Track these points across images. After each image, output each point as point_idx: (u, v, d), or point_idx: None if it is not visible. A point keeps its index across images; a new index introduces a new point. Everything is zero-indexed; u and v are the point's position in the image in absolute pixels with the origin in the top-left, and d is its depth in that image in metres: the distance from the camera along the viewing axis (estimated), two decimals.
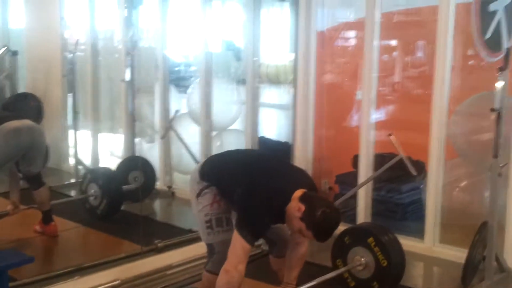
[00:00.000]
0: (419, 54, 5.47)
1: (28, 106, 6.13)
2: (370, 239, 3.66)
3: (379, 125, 4.95)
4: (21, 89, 6.65)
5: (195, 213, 3.23)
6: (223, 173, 3.19)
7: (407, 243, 3.99)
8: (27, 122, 4.44)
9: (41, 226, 4.72)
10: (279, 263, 3.37)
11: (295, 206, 2.85)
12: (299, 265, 3.24)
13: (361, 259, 3.69)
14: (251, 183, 2.99)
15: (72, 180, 6.24)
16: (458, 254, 4.17)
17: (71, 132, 6.29)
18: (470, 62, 5.01)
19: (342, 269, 3.69)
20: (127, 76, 5.97)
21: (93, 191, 5.12)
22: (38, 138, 4.49)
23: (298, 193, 2.90)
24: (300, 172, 3.26)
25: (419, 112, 5.04)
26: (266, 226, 3.00)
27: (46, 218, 4.70)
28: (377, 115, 4.97)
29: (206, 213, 3.13)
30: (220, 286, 2.92)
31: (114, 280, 3.84)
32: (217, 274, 2.99)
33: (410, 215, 5.02)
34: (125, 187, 5.39)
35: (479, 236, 3.83)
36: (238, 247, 2.87)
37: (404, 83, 5.44)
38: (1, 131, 4.21)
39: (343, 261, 3.77)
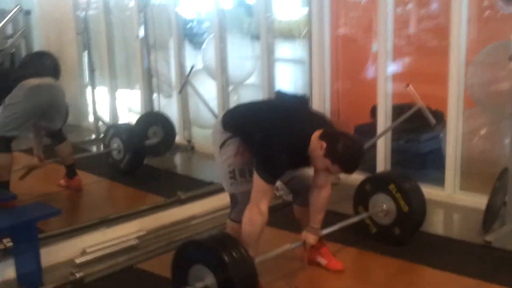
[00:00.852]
0: (434, 6, 5.42)
1: (44, 64, 6.13)
2: (392, 186, 3.69)
3: (396, 77, 4.94)
4: (36, 48, 6.65)
5: (218, 164, 3.25)
6: (244, 120, 3.21)
7: (427, 191, 3.99)
8: (46, 79, 4.47)
9: (65, 180, 4.80)
10: (303, 212, 3.41)
11: (317, 145, 2.88)
12: (323, 208, 3.25)
13: (382, 205, 3.72)
14: (271, 127, 3.03)
15: (93, 136, 6.30)
16: (478, 201, 4.20)
17: (88, 90, 6.31)
18: (486, 13, 4.98)
19: (364, 215, 3.74)
20: (141, 33, 5.97)
21: (116, 145, 5.18)
22: (57, 96, 4.52)
23: (317, 133, 2.93)
24: (320, 115, 3.29)
25: (435, 64, 5.02)
26: (285, 167, 3.03)
27: (70, 173, 4.78)
28: (393, 67, 4.96)
29: (229, 163, 3.16)
30: (244, 223, 3.01)
31: (140, 230, 3.94)
32: (240, 222, 3.06)
33: (429, 164, 5.02)
34: (147, 141, 5.45)
35: (499, 183, 3.87)
36: (259, 188, 2.95)
37: (420, 35, 5.41)
38: (21, 89, 4.24)
39: (364, 208, 3.82)
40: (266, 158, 2.96)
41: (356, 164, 2.91)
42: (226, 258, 2.68)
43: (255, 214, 2.95)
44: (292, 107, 3.35)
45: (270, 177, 2.94)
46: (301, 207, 3.43)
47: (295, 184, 3.37)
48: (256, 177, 2.95)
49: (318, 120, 3.12)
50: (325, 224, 3.40)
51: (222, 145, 3.19)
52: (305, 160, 3.00)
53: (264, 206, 2.96)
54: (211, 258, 2.73)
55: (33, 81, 4.32)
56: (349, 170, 2.94)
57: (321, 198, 3.21)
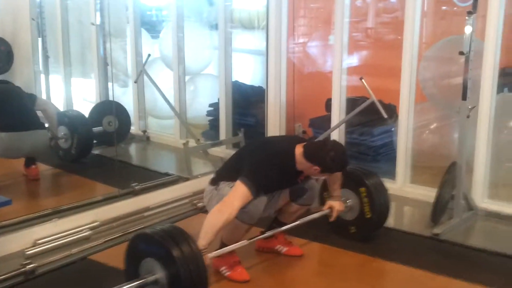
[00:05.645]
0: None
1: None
2: (363, 189, 3.65)
3: (352, 70, 5.00)
4: None
5: (217, 195, 3.25)
6: (229, 165, 3.42)
7: None
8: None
9: (24, 168, 4.78)
10: (296, 210, 3.49)
11: (309, 168, 3.19)
12: (339, 179, 3.54)
13: (347, 201, 3.68)
14: (258, 153, 3.28)
15: (47, 125, 6.17)
16: (428, 194, 4.31)
17: (42, 77, 6.18)
18: (443, 8, 5.06)
19: (327, 210, 3.62)
20: (97, 19, 5.88)
21: (62, 133, 5.07)
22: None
23: (298, 149, 3.21)
24: (289, 136, 3.81)
25: (391, 58, 5.10)
26: (269, 180, 3.18)
27: (28, 161, 4.76)
28: (349, 60, 5.01)
29: (230, 185, 3.20)
30: (212, 211, 3.07)
31: (93, 222, 3.91)
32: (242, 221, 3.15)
33: (382, 157, 5.12)
34: (95, 128, 5.36)
35: (448, 176, 3.97)
36: (239, 192, 3.07)
37: (377, 29, 5.48)
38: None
39: None
40: (254, 170, 3.15)
41: (346, 164, 3.33)
42: (175, 252, 2.68)
43: (226, 207, 3.03)
44: (268, 138, 4.09)
45: (253, 187, 3.07)
46: (299, 206, 3.48)
47: (306, 184, 3.43)
48: (238, 184, 3.09)
49: (291, 138, 3.53)
50: None
51: (217, 186, 3.31)
52: (295, 173, 3.28)
53: (237, 205, 3.04)
54: (161, 252, 2.73)
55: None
56: (342, 170, 3.40)
57: (334, 175, 3.49)
